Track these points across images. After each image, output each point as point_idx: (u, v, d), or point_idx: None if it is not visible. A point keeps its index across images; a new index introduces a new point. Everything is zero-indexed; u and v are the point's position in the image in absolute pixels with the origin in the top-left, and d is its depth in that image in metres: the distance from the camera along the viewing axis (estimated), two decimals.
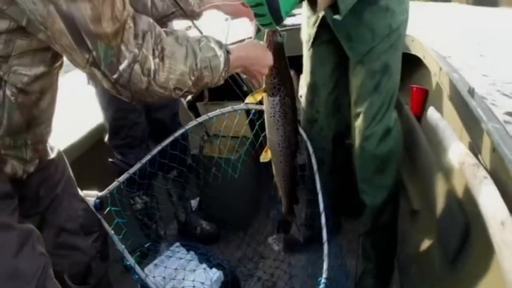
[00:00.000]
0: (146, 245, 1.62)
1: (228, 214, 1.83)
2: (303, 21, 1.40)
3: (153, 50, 0.69)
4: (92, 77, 0.69)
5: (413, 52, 1.75)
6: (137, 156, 1.49)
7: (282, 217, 1.28)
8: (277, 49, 0.95)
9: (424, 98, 1.60)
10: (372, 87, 1.21)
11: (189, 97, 1.95)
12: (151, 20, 0.71)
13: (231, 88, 1.69)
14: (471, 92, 1.15)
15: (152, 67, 0.68)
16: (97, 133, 1.65)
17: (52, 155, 0.95)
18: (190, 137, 1.67)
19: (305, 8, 1.34)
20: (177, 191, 1.75)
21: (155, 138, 1.62)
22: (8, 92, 0.70)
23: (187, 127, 1.36)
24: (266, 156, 1.11)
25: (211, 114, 1.35)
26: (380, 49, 1.18)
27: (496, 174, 0.83)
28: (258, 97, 1.03)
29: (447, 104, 1.29)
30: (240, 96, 1.70)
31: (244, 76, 1.74)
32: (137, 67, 0.66)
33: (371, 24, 1.17)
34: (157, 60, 0.69)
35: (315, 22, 1.30)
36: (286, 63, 1.00)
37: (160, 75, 0.70)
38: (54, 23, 0.60)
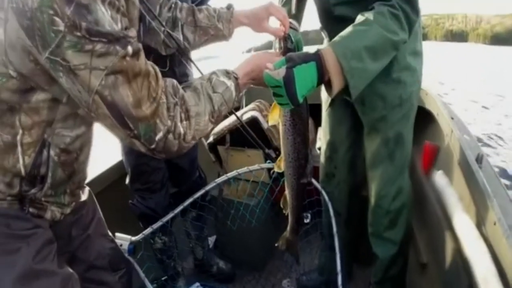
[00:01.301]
0: (163, 278, 1.70)
1: (243, 255, 1.90)
2: None
3: (181, 116, 0.74)
4: (130, 145, 0.73)
5: (427, 107, 1.79)
6: (156, 200, 1.60)
7: (287, 238, 1.28)
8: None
9: (435, 155, 1.63)
10: (386, 155, 1.30)
11: (211, 138, 2.08)
12: (175, 82, 0.76)
13: (251, 135, 1.81)
14: (479, 159, 1.16)
15: (182, 131, 0.74)
16: (116, 171, 1.74)
17: (84, 197, 0.99)
18: (209, 178, 1.76)
19: None
20: (196, 231, 1.83)
21: (174, 183, 1.73)
22: (52, 153, 0.75)
23: (211, 185, 1.43)
24: (280, 165, 1.11)
25: (230, 174, 1.42)
26: (392, 118, 1.27)
27: (497, 248, 0.88)
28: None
29: (456, 168, 1.31)
30: (260, 144, 1.82)
31: (265, 127, 1.86)
32: (170, 136, 0.72)
33: (382, 93, 1.25)
34: (184, 122, 0.74)
35: None
36: None
37: (188, 134, 0.75)
38: (98, 108, 0.65)
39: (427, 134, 1.77)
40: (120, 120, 0.66)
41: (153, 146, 0.70)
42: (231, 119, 1.89)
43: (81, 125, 0.79)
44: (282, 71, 0.86)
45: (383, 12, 0.97)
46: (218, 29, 1.10)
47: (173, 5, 1.10)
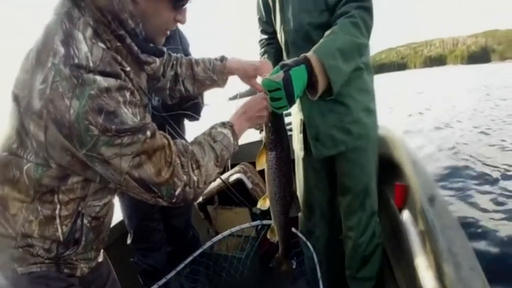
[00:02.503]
0: None
1: None
2: (294, 133, 1.65)
3: (192, 167, 0.84)
4: (155, 203, 0.83)
5: (393, 152, 1.94)
6: (156, 259, 1.76)
7: (279, 259, 1.38)
8: (273, 112, 1.07)
9: (405, 193, 1.74)
10: (358, 206, 1.51)
11: (200, 199, 2.29)
12: (184, 142, 0.87)
13: (237, 195, 2.06)
14: (432, 199, 1.33)
15: (195, 179, 0.84)
16: (117, 231, 1.86)
17: (100, 258, 1.07)
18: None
19: (294, 118, 1.65)
20: (190, 285, 1.95)
21: (171, 242, 1.90)
22: (85, 221, 0.88)
23: (208, 244, 1.59)
24: (264, 203, 1.20)
25: (225, 233, 1.59)
26: (356, 173, 1.47)
27: (447, 278, 1.04)
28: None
29: (418, 205, 1.46)
30: (245, 203, 2.06)
31: (250, 187, 2.12)
32: (187, 188, 0.82)
33: (337, 139, 1.43)
34: (196, 171, 0.84)
35: (301, 145, 1.59)
36: (282, 123, 1.12)
37: (200, 181, 0.85)
38: (128, 184, 0.76)
39: (398, 175, 1.90)
40: (146, 187, 0.77)
41: (174, 200, 0.81)
42: (219, 181, 2.14)
43: (108, 195, 0.92)
44: (280, 75, 1.01)
45: (345, 23, 1.20)
46: (213, 80, 1.22)
47: (174, 62, 1.20)
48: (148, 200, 0.81)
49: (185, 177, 0.81)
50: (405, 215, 1.61)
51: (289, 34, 1.44)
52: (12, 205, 0.81)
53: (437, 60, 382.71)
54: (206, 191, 2.21)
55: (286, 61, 1.10)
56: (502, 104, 10.61)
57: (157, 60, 0.94)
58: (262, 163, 1.12)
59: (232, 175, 2.17)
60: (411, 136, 7.28)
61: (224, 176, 2.20)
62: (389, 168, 1.92)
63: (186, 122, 1.96)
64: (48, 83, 0.69)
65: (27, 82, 0.73)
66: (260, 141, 2.32)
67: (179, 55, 1.22)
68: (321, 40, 1.18)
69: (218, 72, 1.22)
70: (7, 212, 0.81)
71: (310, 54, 1.11)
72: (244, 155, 2.04)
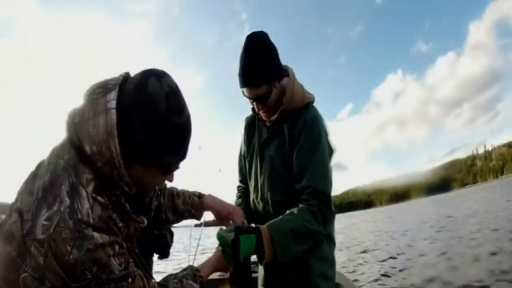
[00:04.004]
0: None
1: None
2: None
3: None
4: None
5: None
6: None
7: None
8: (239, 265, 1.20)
9: None
10: None
11: None
12: (156, 284, 0.98)
13: None
14: None
15: None
16: None
17: None
18: None
19: (259, 271, 1.68)
20: None
21: None
22: None
23: None
24: None
25: None
26: None
27: None
28: None
29: None
30: None
31: None
32: None
33: None
34: None
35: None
36: (246, 266, 1.24)
37: None
38: None
39: None
40: None
41: None
42: None
43: None
44: (231, 235, 1.13)
45: (303, 209, 1.30)
46: (191, 213, 1.35)
47: (159, 193, 1.29)
48: None
49: None
50: None
51: (258, 203, 1.60)
52: None
53: (402, 195, 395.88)
54: None
55: (241, 225, 1.24)
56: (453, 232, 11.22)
57: (145, 220, 1.03)
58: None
59: None
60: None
61: None
62: None
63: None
64: (52, 224, 0.78)
65: (31, 206, 0.82)
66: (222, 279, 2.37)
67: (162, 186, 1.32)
68: (279, 218, 1.30)
69: (196, 207, 1.34)
70: None
71: (263, 227, 1.23)
72: None
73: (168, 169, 0.99)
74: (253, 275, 1.45)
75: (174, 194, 1.34)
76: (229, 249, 1.14)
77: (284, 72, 1.51)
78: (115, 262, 0.84)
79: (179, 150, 0.96)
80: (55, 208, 0.80)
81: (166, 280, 1.05)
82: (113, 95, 0.86)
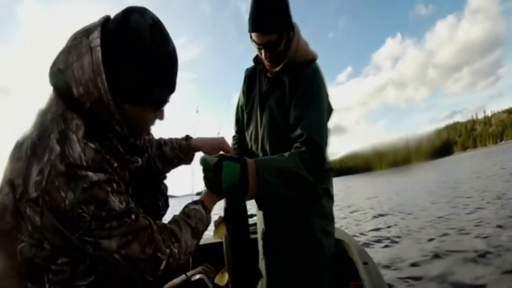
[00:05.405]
0: None
1: None
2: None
3: (172, 242, 0.91)
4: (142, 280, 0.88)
5: (350, 256, 2.10)
6: None
7: None
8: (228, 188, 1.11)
9: None
10: None
11: None
12: (162, 222, 0.96)
13: None
14: None
15: (176, 251, 0.92)
16: None
17: None
18: None
19: (258, 225, 1.71)
20: None
21: None
22: None
23: None
24: (221, 278, 1.16)
25: None
26: (305, 270, 1.47)
27: None
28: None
29: None
30: None
31: (210, 287, 2.11)
32: (170, 260, 0.90)
33: (294, 249, 1.48)
34: (175, 245, 0.92)
35: (261, 250, 1.63)
36: (239, 199, 1.15)
37: (181, 253, 0.93)
38: (117, 262, 0.82)
39: (352, 275, 2.02)
40: (133, 265, 0.84)
41: (159, 273, 0.88)
42: (181, 278, 2.13)
43: (92, 274, 0.90)
44: (214, 159, 1.10)
45: (294, 153, 1.26)
46: (180, 158, 1.34)
47: (147, 144, 1.28)
48: (136, 276, 0.86)
49: (167, 251, 0.89)
50: None
51: (257, 155, 1.58)
52: (3, 281, 0.82)
53: (403, 160, 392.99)
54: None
55: (226, 154, 1.20)
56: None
57: (139, 159, 1.04)
58: (220, 234, 1.14)
59: (194, 275, 2.17)
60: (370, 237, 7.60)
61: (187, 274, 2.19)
62: (345, 268, 2.03)
63: None
64: (44, 176, 0.75)
65: (21, 170, 0.78)
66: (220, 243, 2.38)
67: (149, 137, 1.32)
68: (268, 156, 1.31)
69: (184, 150, 1.34)
70: None
71: (250, 160, 1.18)
72: (205, 256, 2.09)
73: (158, 104, 0.97)
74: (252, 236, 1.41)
75: (162, 142, 1.34)
76: (210, 174, 1.09)
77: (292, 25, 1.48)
78: (114, 199, 0.81)
79: (167, 82, 0.95)
80: (45, 159, 0.77)
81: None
82: (96, 34, 0.84)
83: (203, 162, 1.12)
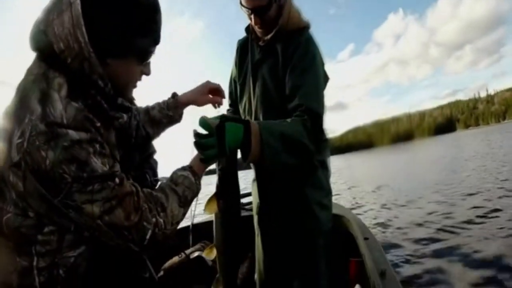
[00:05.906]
0: None
1: None
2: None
3: (157, 211, 0.88)
4: (127, 248, 0.85)
5: (350, 231, 2.09)
6: None
7: None
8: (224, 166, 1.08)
9: (359, 268, 1.81)
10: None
11: (161, 272, 2.26)
12: (149, 190, 0.91)
13: (198, 272, 2.04)
14: (383, 274, 1.38)
15: (162, 221, 0.88)
16: None
17: None
18: None
19: (253, 199, 1.67)
20: None
21: None
22: (60, 271, 0.85)
23: None
24: (210, 253, 1.16)
25: None
26: (301, 244, 1.45)
27: None
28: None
29: (371, 279, 1.48)
30: (205, 279, 2.03)
31: (210, 264, 2.11)
32: (156, 230, 0.86)
33: (290, 220, 1.46)
34: (161, 214, 0.88)
35: (256, 225, 1.62)
36: (233, 172, 1.11)
37: (167, 222, 0.89)
38: (100, 228, 0.79)
39: (352, 250, 2.01)
40: (117, 232, 0.81)
41: (145, 243, 0.85)
42: (180, 256, 2.13)
43: (80, 244, 0.88)
44: (216, 122, 0.99)
45: (296, 120, 1.23)
46: (169, 116, 1.33)
47: (135, 113, 1.28)
48: (121, 245, 0.84)
49: (153, 220, 0.86)
50: None
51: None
52: None
53: (405, 136, 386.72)
54: (166, 266, 2.19)
55: (227, 114, 1.17)
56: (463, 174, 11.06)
57: (124, 115, 1.01)
58: (211, 209, 1.11)
59: (193, 252, 2.17)
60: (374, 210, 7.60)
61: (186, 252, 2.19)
62: (345, 244, 2.01)
63: None
64: (25, 138, 0.73)
65: (4, 136, 0.77)
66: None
67: (136, 106, 1.31)
68: (272, 120, 1.26)
69: (172, 108, 1.33)
70: None
71: (254, 122, 1.11)
72: (204, 233, 2.07)
73: (142, 56, 0.94)
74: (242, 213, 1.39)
75: (149, 108, 1.33)
76: (213, 140, 0.99)
77: None
78: (96, 160, 0.78)
79: (150, 32, 0.92)
80: (26, 120, 0.74)
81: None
82: None
83: (203, 123, 1.00)
